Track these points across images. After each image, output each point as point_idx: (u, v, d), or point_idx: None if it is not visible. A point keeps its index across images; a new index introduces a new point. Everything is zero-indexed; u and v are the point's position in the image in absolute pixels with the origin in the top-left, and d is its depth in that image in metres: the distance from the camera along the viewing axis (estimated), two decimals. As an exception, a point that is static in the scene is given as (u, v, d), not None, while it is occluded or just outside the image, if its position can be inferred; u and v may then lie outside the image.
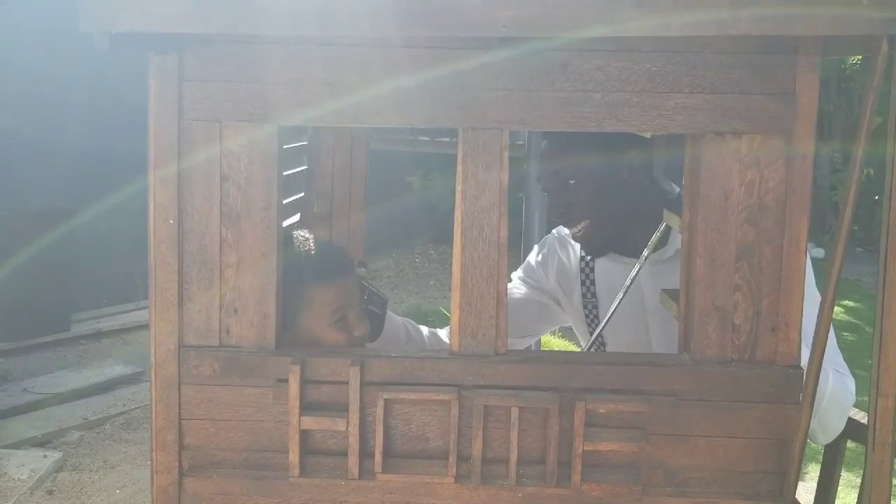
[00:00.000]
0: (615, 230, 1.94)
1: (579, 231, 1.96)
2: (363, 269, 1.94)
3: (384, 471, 1.40)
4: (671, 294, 1.55)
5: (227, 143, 1.37)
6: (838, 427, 1.82)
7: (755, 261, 1.36)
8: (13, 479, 3.78)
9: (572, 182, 1.89)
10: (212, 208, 1.39)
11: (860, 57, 9.15)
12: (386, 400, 1.39)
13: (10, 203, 5.81)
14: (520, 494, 1.39)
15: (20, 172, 5.98)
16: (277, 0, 1.22)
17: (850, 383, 1.79)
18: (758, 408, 1.38)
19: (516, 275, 2.23)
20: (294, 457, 1.40)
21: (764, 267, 1.36)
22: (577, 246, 2.08)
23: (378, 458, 1.39)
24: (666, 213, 1.71)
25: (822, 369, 1.69)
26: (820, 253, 9.14)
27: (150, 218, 1.39)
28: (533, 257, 2.21)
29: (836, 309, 7.18)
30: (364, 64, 1.33)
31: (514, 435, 1.38)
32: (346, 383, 1.38)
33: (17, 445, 4.14)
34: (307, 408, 1.39)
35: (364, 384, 1.39)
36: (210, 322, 1.42)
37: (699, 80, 1.31)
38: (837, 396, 1.76)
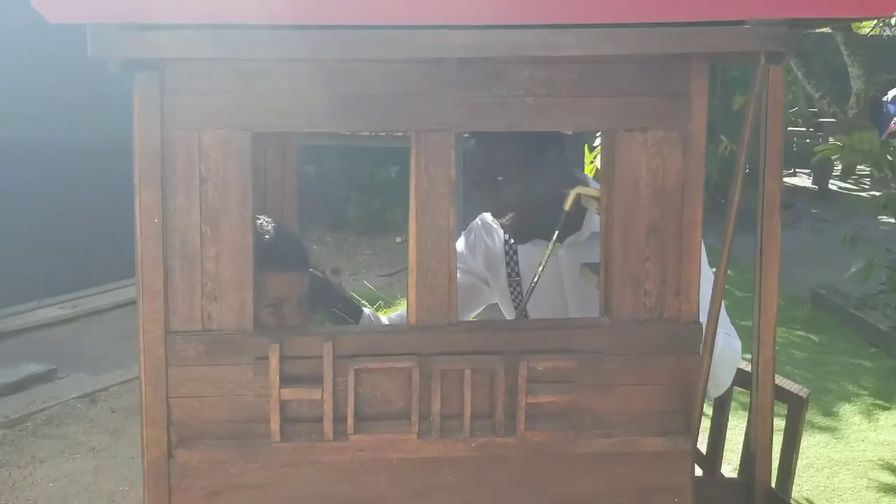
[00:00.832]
0: (538, 219, 2.12)
1: (507, 221, 2.15)
2: (337, 276, 2.11)
3: (355, 432, 1.57)
4: (591, 267, 1.79)
5: (205, 148, 1.51)
6: (727, 381, 2.10)
7: (661, 236, 1.59)
8: (-57, 479, 3.80)
9: (500, 178, 2.07)
10: (192, 207, 1.52)
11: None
12: (356, 370, 1.56)
13: None
14: (473, 444, 1.59)
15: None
16: (249, 31, 1.39)
17: (738, 344, 2.06)
18: (667, 359, 1.61)
19: None
20: (275, 425, 1.55)
21: (668, 240, 1.60)
22: (501, 231, 2.28)
23: (350, 421, 1.56)
24: (583, 198, 1.96)
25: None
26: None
27: (137, 217, 1.51)
28: (461, 244, 2.39)
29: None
30: (327, 78, 1.50)
31: (467, 394, 1.57)
32: (320, 357, 1.55)
33: (-60, 447, 4.15)
34: (285, 381, 1.55)
35: (336, 357, 1.55)
36: (193, 309, 1.55)
37: (612, 86, 1.53)
38: (726, 355, 2.01)
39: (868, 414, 4.92)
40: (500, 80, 1.52)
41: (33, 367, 5.27)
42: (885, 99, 13.06)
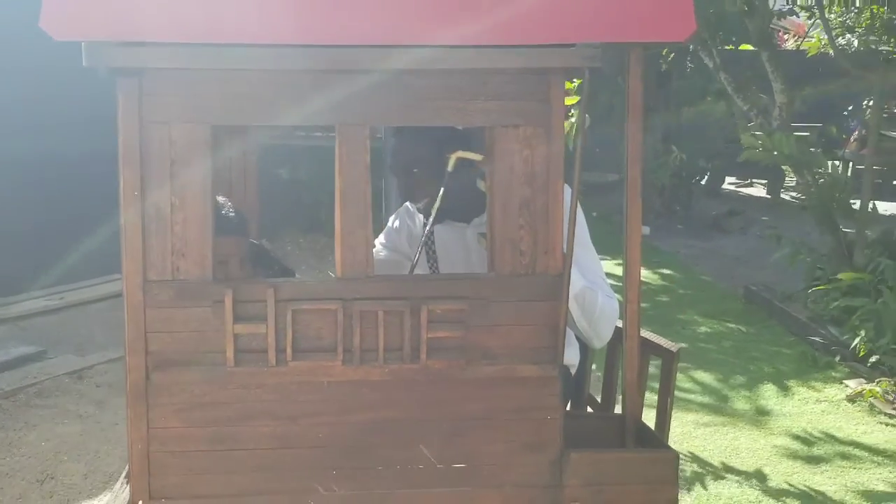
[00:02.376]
0: (448, 204, 2.47)
1: (421, 205, 2.57)
2: (270, 245, 2.53)
3: (293, 360, 1.93)
4: (484, 235, 2.22)
5: (174, 138, 1.89)
6: (608, 335, 2.51)
7: (532, 208, 1.98)
8: (-55, 439, 4.20)
9: (415, 170, 2.49)
10: (164, 183, 1.89)
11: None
12: (293, 311, 1.92)
13: None
14: (386, 370, 1.96)
15: None
16: (207, 47, 1.79)
17: (615, 303, 2.46)
18: (538, 304, 1.98)
19: (379, 240, 2.81)
20: (230, 353, 1.91)
21: (537, 212, 1.98)
22: (421, 216, 2.69)
23: (289, 350, 1.92)
24: (479, 182, 2.39)
25: (593, 292, 2.42)
26: (646, 230, 10.03)
27: (121, 190, 1.88)
28: (389, 224, 2.81)
29: (654, 275, 8.13)
30: (270, 83, 1.90)
31: (381, 330, 1.94)
32: (265, 301, 1.92)
33: (-64, 414, 4.53)
34: (237, 319, 1.91)
35: (277, 301, 1.92)
36: (165, 263, 1.91)
37: (491, 92, 1.94)
38: (607, 312, 2.44)
39: (778, 391, 5.36)
40: (405, 87, 1.93)
41: (24, 349, 5.63)
42: (845, 113, 13.49)
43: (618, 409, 2.63)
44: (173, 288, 1.92)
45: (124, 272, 1.91)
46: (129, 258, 1.91)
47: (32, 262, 6.90)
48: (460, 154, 2.07)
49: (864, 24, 7.40)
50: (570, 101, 5.36)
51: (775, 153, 5.77)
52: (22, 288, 6.94)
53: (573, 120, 3.31)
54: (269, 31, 1.79)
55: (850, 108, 13.46)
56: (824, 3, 6.71)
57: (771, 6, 7.03)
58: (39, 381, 5.14)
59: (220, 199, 2.33)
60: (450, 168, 2.09)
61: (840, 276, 6.08)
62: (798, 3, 7.81)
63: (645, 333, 2.40)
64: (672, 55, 10.22)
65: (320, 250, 9.16)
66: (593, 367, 2.95)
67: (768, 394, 5.32)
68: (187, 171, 1.91)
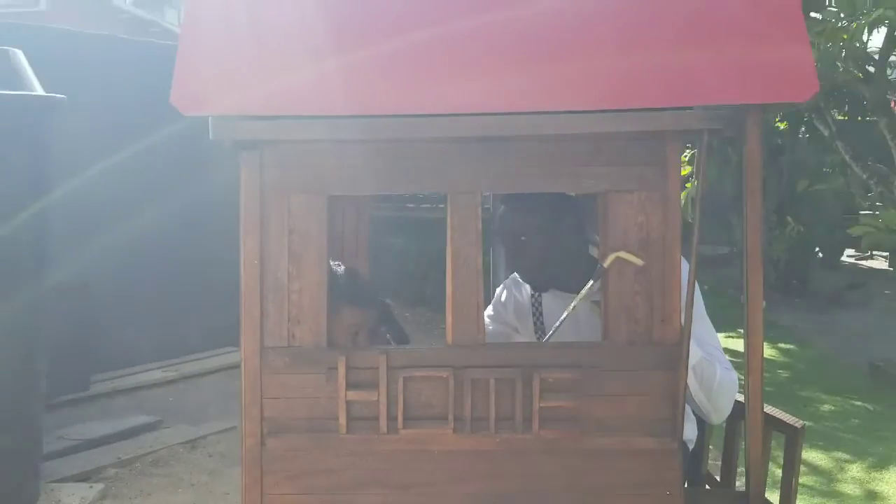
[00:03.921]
0: (554, 273, 2.48)
1: (527, 274, 2.53)
2: (390, 301, 2.56)
3: (404, 427, 1.93)
4: (597, 303, 2.19)
5: (292, 208, 1.93)
6: (727, 409, 2.40)
7: (648, 275, 1.94)
8: (67, 505, 4.34)
9: (523, 238, 2.45)
10: (282, 252, 1.94)
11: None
12: (404, 378, 1.92)
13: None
14: (497, 440, 1.93)
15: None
16: (323, 120, 1.85)
17: (734, 375, 2.37)
18: (655, 374, 1.93)
19: (486, 312, 2.77)
20: (342, 420, 1.92)
21: (653, 279, 1.94)
22: (528, 286, 2.65)
23: (400, 418, 1.92)
24: (591, 248, 2.35)
25: (711, 364, 2.33)
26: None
27: (241, 259, 1.93)
28: (496, 299, 2.78)
29: (771, 350, 7.85)
30: (384, 153, 1.93)
31: (492, 399, 1.92)
32: (377, 368, 1.93)
33: (63, 480, 4.66)
34: (350, 386, 1.93)
35: (389, 368, 1.92)
36: (281, 330, 1.95)
37: (605, 158, 1.92)
38: (725, 384, 2.34)
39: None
40: (517, 153, 1.93)
41: (142, 419, 5.81)
42: None
43: (738, 487, 2.55)
44: (289, 354, 1.95)
45: (242, 338, 1.96)
46: (247, 325, 1.95)
47: (150, 335, 7.16)
48: (621, 255, 1.95)
49: None
50: (683, 171, 5.31)
51: (889, 230, 5.54)
52: (139, 360, 7.19)
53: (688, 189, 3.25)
54: (381, 103, 1.83)
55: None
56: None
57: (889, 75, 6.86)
58: (155, 451, 5.27)
59: (343, 268, 2.37)
60: (606, 264, 1.97)
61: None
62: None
63: (767, 409, 2.31)
64: (785, 124, 10.01)
65: (426, 324, 9.20)
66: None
67: (897, 478, 5.00)
68: (304, 240, 1.95)
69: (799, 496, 4.45)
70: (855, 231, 5.81)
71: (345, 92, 1.83)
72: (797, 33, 1.82)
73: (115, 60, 7.19)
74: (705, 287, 9.08)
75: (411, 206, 7.79)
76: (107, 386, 6.59)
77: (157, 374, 6.99)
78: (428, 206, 7.06)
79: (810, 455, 5.25)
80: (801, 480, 4.68)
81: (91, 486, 4.63)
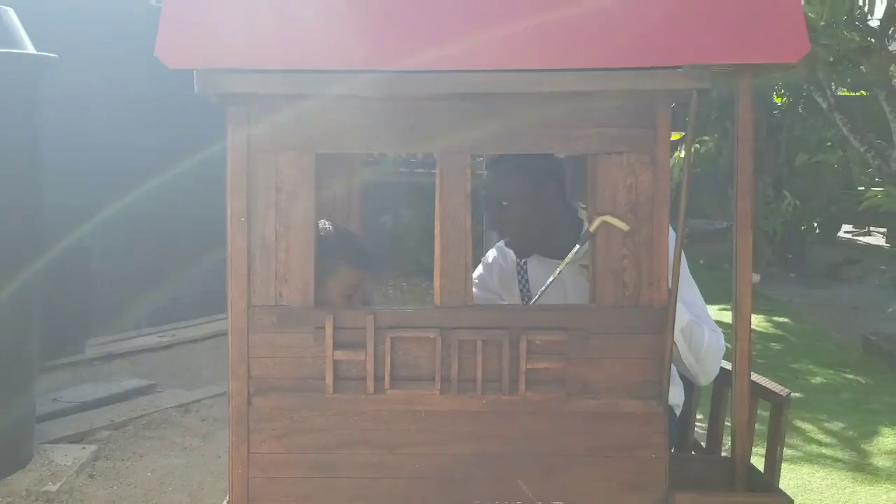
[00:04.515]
0: (537, 238, 2.49)
1: (509, 239, 2.54)
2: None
3: (391, 388, 1.92)
4: (585, 266, 2.17)
5: (280, 166, 1.92)
6: (714, 370, 2.41)
7: (636, 238, 1.93)
8: (59, 465, 4.35)
9: (505, 203, 2.45)
10: (269, 210, 1.92)
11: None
12: (391, 338, 1.92)
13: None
14: (484, 401, 1.92)
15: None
16: (311, 74, 1.80)
17: (721, 338, 2.38)
18: (642, 337, 1.93)
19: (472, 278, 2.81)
20: (329, 380, 1.92)
21: (641, 242, 1.93)
22: (513, 253, 2.64)
23: (387, 378, 1.91)
24: (580, 211, 2.34)
25: (700, 326, 2.33)
26: (756, 278, 9.70)
27: (228, 217, 1.91)
28: (480, 269, 2.77)
29: (765, 323, 7.86)
30: (373, 111, 1.91)
31: (479, 360, 1.91)
32: (364, 328, 1.92)
33: (56, 441, 4.69)
34: (337, 345, 1.91)
35: (376, 328, 1.92)
36: (269, 288, 1.93)
37: (594, 119, 1.91)
38: (713, 347, 2.35)
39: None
40: (506, 114, 1.91)
41: (135, 382, 5.83)
42: None
43: (724, 454, 2.56)
44: (276, 313, 1.94)
45: (229, 297, 1.95)
46: (234, 284, 1.94)
47: (146, 299, 7.16)
48: (607, 219, 1.94)
49: None
50: (675, 136, 5.28)
51: None
52: (135, 325, 7.20)
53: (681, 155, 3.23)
54: (373, 58, 1.81)
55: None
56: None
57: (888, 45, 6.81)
58: (148, 414, 5.29)
59: (330, 225, 2.35)
60: (592, 229, 1.96)
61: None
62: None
63: (754, 377, 2.29)
64: (783, 99, 9.97)
65: (422, 293, 9.22)
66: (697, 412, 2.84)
67: (891, 448, 5.02)
68: (292, 198, 1.94)
69: (787, 465, 4.52)
70: (868, 202, 5.77)
71: (332, 47, 1.81)
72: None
73: (109, 16, 7.11)
74: (700, 261, 9.11)
75: (405, 170, 7.71)
76: (102, 350, 6.60)
77: (153, 339, 7.00)
78: (422, 170, 6.99)
79: (799, 426, 5.28)
80: (789, 450, 4.74)
81: (84, 448, 4.66)
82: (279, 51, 1.81)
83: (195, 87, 1.80)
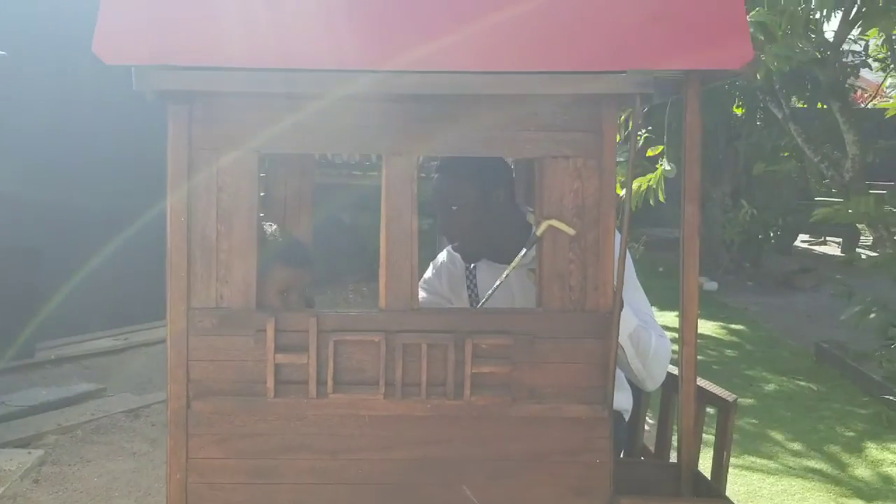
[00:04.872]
0: (485, 244, 2.47)
1: (457, 244, 2.51)
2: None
3: (334, 392, 1.89)
4: (533, 270, 2.16)
5: (222, 165, 1.88)
6: (661, 375, 2.40)
7: (582, 242, 1.92)
8: (3, 471, 4.26)
9: (454, 208, 2.42)
10: (210, 210, 1.89)
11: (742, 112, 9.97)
12: (335, 341, 1.89)
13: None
14: (428, 405, 1.90)
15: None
16: (254, 73, 1.76)
17: (668, 343, 2.38)
18: (587, 341, 1.92)
19: (419, 286, 2.66)
20: (270, 383, 1.88)
21: (588, 246, 1.92)
22: (459, 255, 2.60)
23: (329, 382, 1.89)
24: (528, 215, 2.32)
25: (647, 331, 2.33)
26: (713, 286, 9.78)
27: (168, 217, 1.87)
28: (429, 272, 2.75)
29: (721, 331, 7.95)
30: (319, 111, 1.87)
31: (424, 364, 1.89)
32: (307, 331, 1.89)
33: (2, 446, 4.60)
34: (279, 349, 1.88)
35: (319, 331, 1.89)
36: (209, 290, 1.90)
37: (541, 123, 1.89)
38: (661, 352, 2.35)
39: (851, 453, 5.12)
40: (453, 116, 1.90)
41: (85, 386, 5.74)
42: None
43: (672, 460, 2.58)
44: (216, 316, 1.91)
45: (168, 299, 1.91)
46: (173, 285, 1.90)
47: (98, 302, 7.04)
48: (553, 223, 1.93)
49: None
50: (652, 152, 5.28)
51: (850, 211, 5.60)
52: (88, 328, 7.08)
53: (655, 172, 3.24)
54: (313, 57, 1.78)
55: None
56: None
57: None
58: (97, 418, 5.21)
59: (277, 229, 2.32)
60: (539, 233, 1.95)
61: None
62: (871, 54, 7.65)
63: (701, 382, 2.32)
64: (742, 109, 10.09)
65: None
66: (648, 415, 2.84)
67: (840, 455, 5.09)
68: (234, 198, 1.91)
69: (738, 472, 4.56)
70: (818, 215, 5.86)
71: (276, 44, 1.78)
72: (734, 4, 1.81)
73: (62, 12, 6.99)
74: (660, 269, 9.17)
75: (357, 173, 7.67)
76: (52, 353, 6.50)
77: (105, 342, 6.89)
78: (375, 173, 6.96)
79: (752, 432, 5.33)
80: (739, 457, 4.78)
81: (30, 452, 4.57)
82: (219, 48, 1.77)
83: (133, 83, 1.76)
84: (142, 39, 1.77)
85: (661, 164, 4.09)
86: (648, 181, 4.78)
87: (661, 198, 4.62)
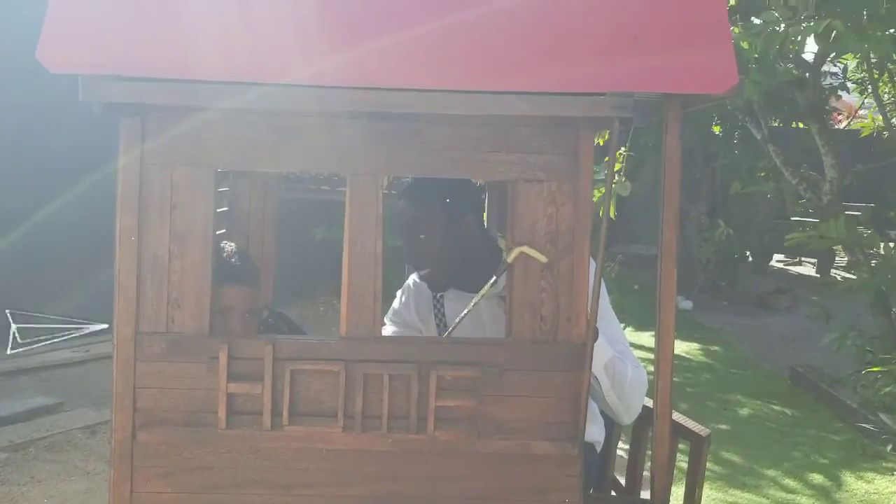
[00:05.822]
0: (453, 272, 2.37)
1: (424, 273, 2.40)
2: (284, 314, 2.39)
3: (290, 424, 1.80)
4: (503, 298, 2.07)
5: (176, 182, 1.79)
6: (638, 408, 2.31)
7: (555, 270, 1.84)
8: (-52, 491, 4.09)
9: (422, 237, 2.32)
10: (163, 229, 1.80)
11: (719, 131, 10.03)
12: (291, 370, 1.80)
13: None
14: (390, 440, 1.82)
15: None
16: (211, 85, 1.67)
17: (644, 374, 2.29)
18: (558, 375, 1.84)
19: (387, 317, 2.63)
20: (222, 414, 1.79)
21: (561, 275, 1.84)
22: (426, 284, 2.49)
23: (285, 414, 1.80)
24: (500, 240, 2.23)
25: (623, 362, 2.24)
26: (688, 305, 9.75)
27: (117, 235, 1.79)
28: (397, 302, 2.65)
29: (696, 352, 7.92)
30: (279, 127, 1.80)
31: (385, 396, 1.81)
32: (262, 359, 1.80)
33: (-51, 464, 4.43)
34: (232, 377, 1.79)
35: (275, 359, 1.80)
36: (160, 314, 1.81)
37: (514, 145, 1.81)
38: (636, 383, 2.26)
39: (825, 481, 5.05)
40: (421, 135, 1.81)
41: (41, 400, 5.53)
42: None
43: (644, 495, 2.49)
44: (166, 341, 1.82)
45: (115, 321, 1.83)
46: (121, 307, 1.82)
47: (59, 312, 6.85)
48: (525, 250, 1.84)
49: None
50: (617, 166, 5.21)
51: (822, 237, 5.59)
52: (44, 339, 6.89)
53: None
54: (277, 71, 1.68)
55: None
56: (877, 78, 6.55)
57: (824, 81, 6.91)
58: (51, 435, 5.02)
59: (230, 246, 2.21)
60: (510, 260, 1.87)
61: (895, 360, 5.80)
62: (849, 77, 7.66)
63: (676, 416, 2.26)
64: (719, 128, 10.10)
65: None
66: (619, 444, 2.75)
67: (814, 483, 5.02)
68: (188, 217, 1.82)
69: (712, 500, 4.45)
70: (792, 240, 5.85)
71: (234, 56, 1.68)
72: (719, 26, 1.73)
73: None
74: (635, 287, 9.12)
75: (326, 188, 7.51)
76: (9, 364, 6.27)
77: (65, 354, 6.69)
78: (343, 189, 6.83)
79: (726, 458, 5.25)
80: (713, 487, 4.69)
81: (-23, 472, 4.39)
82: (170, 59, 1.68)
83: (80, 93, 1.65)
84: (89, 47, 1.67)
85: (616, 181, 3.99)
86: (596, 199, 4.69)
87: (612, 214, 4.54)
